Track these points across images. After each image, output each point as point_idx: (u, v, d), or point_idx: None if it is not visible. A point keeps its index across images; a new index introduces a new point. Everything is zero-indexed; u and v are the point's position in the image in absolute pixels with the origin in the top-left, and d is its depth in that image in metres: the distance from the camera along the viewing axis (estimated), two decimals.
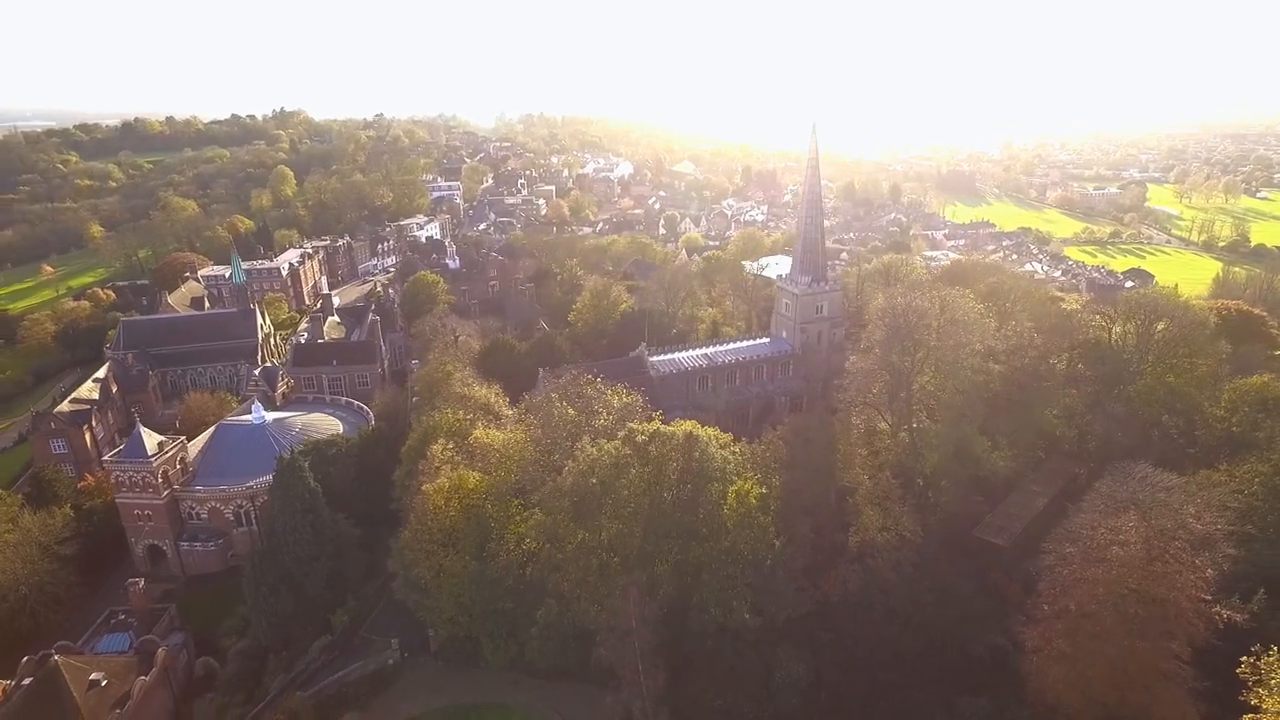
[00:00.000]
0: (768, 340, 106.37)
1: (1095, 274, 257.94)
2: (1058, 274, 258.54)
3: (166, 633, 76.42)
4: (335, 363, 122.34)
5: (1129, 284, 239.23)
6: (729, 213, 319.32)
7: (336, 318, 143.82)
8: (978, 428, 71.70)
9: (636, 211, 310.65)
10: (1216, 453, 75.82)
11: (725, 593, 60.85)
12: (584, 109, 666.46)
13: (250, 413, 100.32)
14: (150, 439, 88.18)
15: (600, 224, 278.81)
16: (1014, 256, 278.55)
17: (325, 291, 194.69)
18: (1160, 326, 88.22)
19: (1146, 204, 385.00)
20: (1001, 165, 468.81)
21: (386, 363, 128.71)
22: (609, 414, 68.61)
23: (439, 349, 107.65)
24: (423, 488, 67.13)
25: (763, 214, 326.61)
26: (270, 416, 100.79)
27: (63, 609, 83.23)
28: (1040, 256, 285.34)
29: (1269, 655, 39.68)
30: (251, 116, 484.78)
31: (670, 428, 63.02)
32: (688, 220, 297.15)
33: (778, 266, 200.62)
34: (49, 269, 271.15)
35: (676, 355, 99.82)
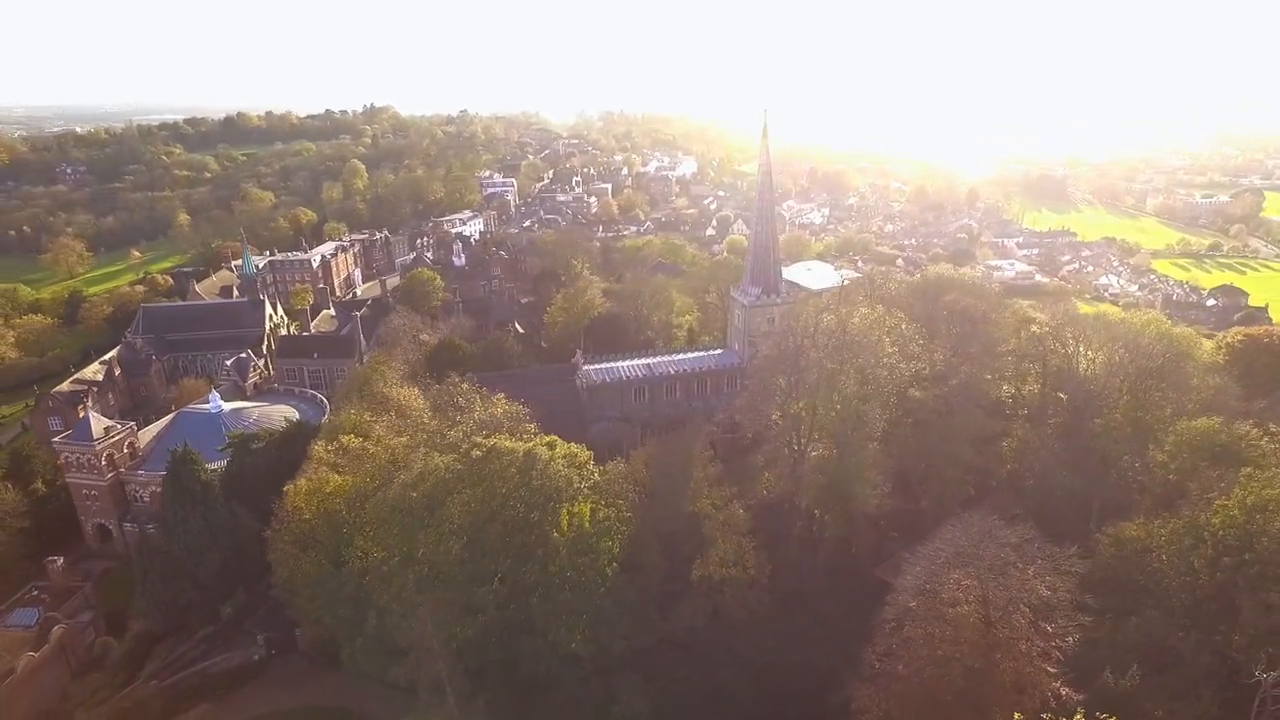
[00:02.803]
0: (719, 352, 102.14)
1: (1177, 290, 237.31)
2: (1134, 288, 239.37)
3: (76, 611, 79.71)
4: (316, 355, 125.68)
5: (1210, 301, 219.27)
6: (787, 214, 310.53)
7: (331, 310, 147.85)
8: (868, 458, 65.93)
9: (690, 211, 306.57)
10: (1159, 501, 67.57)
11: (556, 619, 58.52)
12: (664, 108, 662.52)
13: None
14: (98, 423, 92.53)
15: (648, 223, 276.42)
16: (1089, 268, 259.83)
17: (357, 284, 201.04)
18: (1126, 356, 79.47)
19: (1261, 214, 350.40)
20: (1099, 170, 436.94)
21: (366, 357, 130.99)
22: (470, 424, 66.89)
23: (401, 347, 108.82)
24: (284, 488, 67.51)
25: (823, 216, 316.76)
26: (228, 406, 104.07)
27: (7, 580, 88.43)
28: (1120, 269, 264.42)
29: None
30: (344, 112, 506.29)
31: (511, 443, 60.84)
32: (740, 221, 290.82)
33: (809, 273, 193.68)
34: (137, 254, 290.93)
35: (616, 364, 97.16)
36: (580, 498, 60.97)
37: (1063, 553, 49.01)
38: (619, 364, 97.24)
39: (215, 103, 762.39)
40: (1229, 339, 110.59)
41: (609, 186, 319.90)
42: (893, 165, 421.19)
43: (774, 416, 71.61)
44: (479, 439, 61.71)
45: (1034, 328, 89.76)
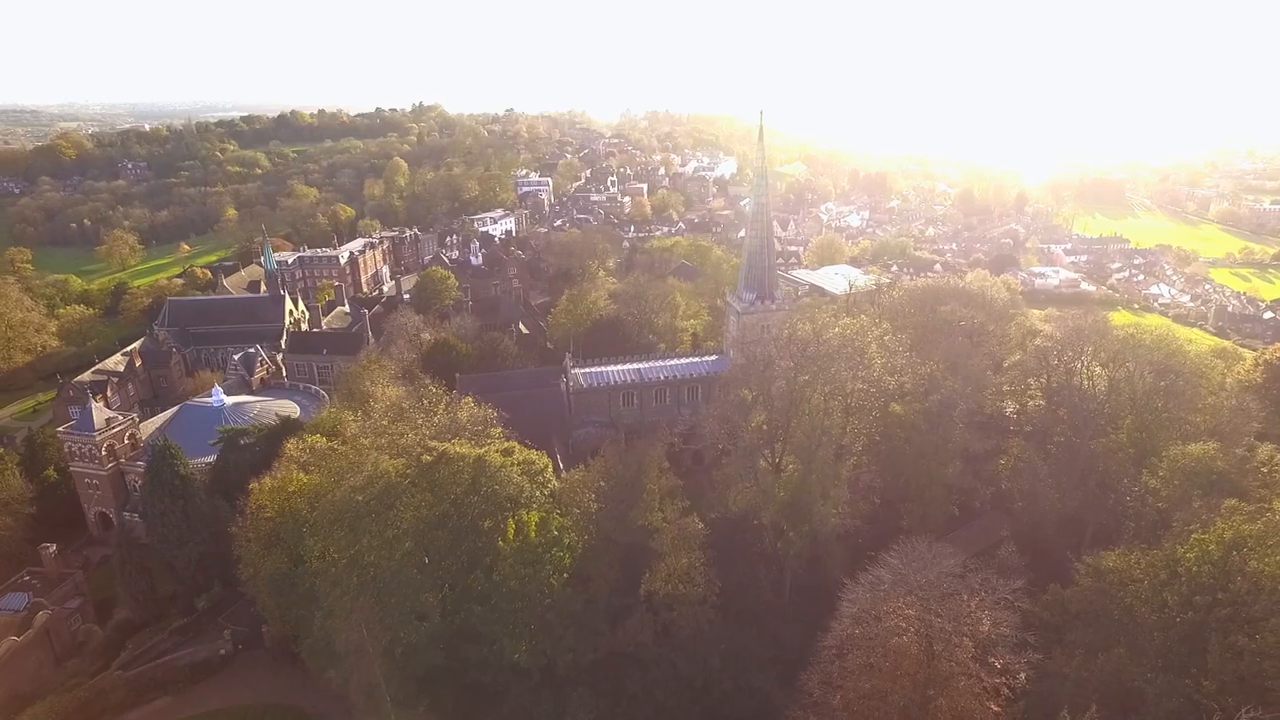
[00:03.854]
0: (713, 358, 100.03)
1: (1233, 301, 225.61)
2: (1185, 299, 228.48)
3: (66, 597, 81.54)
4: (325, 351, 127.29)
5: (1269, 314, 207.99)
6: (825, 217, 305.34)
7: (345, 307, 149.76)
8: (832, 475, 63.28)
9: (725, 213, 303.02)
10: (1148, 530, 63.49)
11: (501, 628, 57.61)
12: (709, 107, 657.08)
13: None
14: (100, 415, 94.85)
15: (680, 224, 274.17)
16: (1140, 277, 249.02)
17: (386, 281, 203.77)
18: (1135, 371, 75.11)
19: None
20: (1160, 174, 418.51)
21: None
22: (430, 428, 66.32)
23: (397, 346, 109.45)
24: (250, 486, 67.97)
25: (862, 219, 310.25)
26: (230, 400, 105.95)
27: (10, 564, 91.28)
28: (1173, 278, 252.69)
29: None
30: (393, 110, 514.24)
31: (463, 449, 60.01)
32: (775, 223, 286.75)
33: (836, 277, 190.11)
34: (186, 247, 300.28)
35: (605, 368, 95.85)
36: (534, 506, 59.92)
37: (1006, 585, 45.92)
38: (608, 368, 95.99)
39: (275, 100, 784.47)
40: (1267, 355, 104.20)
41: (644, 186, 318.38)
42: (940, 168, 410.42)
43: (744, 429, 69.46)
44: (433, 443, 61.03)
45: (1039, 341, 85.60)
